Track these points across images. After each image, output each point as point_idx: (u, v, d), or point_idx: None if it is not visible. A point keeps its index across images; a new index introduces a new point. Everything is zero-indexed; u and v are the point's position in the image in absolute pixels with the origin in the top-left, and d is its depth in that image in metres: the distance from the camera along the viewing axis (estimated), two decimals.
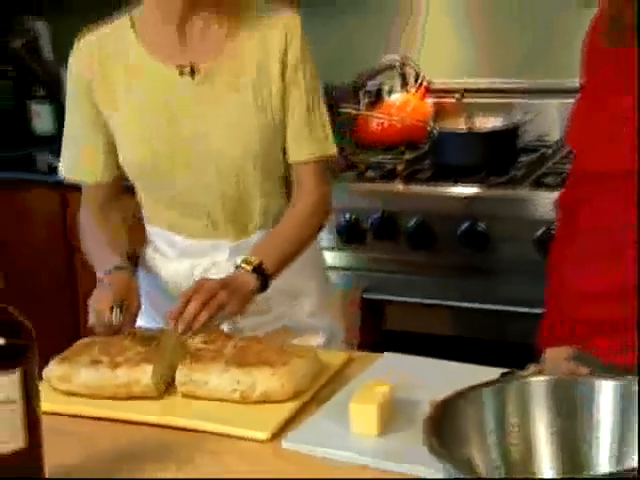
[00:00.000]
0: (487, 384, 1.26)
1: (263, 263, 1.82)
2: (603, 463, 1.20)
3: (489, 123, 2.93)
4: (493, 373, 1.61)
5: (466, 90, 3.16)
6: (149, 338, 1.73)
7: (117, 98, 1.93)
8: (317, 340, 2.02)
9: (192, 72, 1.91)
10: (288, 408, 1.56)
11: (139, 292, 1.88)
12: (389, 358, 1.83)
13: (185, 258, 1.97)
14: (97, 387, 1.61)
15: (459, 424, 1.20)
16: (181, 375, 1.61)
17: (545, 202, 2.58)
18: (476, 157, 2.83)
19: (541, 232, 2.58)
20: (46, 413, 1.47)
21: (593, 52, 1.74)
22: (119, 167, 1.99)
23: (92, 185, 2.03)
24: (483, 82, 3.22)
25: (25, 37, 3.69)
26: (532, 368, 1.73)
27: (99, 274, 1.91)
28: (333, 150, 2.03)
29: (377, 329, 2.82)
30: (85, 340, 1.74)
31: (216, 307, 1.72)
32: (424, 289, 2.77)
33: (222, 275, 1.87)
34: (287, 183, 2.03)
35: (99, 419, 1.58)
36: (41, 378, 1.62)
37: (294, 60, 1.93)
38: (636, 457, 1.17)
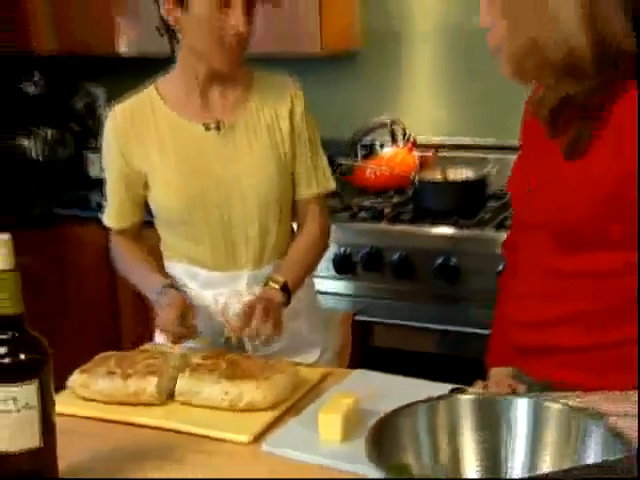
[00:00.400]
0: (422, 401, 1.25)
1: (287, 282, 1.85)
2: (517, 471, 1.19)
3: (462, 174, 2.93)
4: (447, 389, 1.63)
5: (443, 146, 3.18)
6: (157, 354, 1.74)
7: (151, 156, 1.93)
8: (313, 355, 2.01)
9: (218, 127, 1.92)
10: (268, 416, 1.55)
11: (192, 302, 1.88)
12: (360, 374, 1.81)
13: (208, 289, 1.95)
14: (110, 394, 1.62)
15: (397, 435, 1.20)
16: (180, 386, 1.61)
17: None
18: (450, 203, 2.83)
19: (502, 266, 2.56)
20: (65, 415, 1.50)
21: (528, 120, 1.74)
22: (142, 214, 2.02)
23: (118, 230, 2.05)
24: (457, 139, 3.24)
25: (86, 99, 3.74)
26: (479, 384, 1.74)
27: (151, 296, 1.90)
28: (333, 185, 2.07)
29: (365, 346, 2.81)
30: (104, 354, 1.74)
31: (275, 321, 1.75)
32: (405, 313, 2.77)
33: (242, 302, 1.87)
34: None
35: (109, 421, 1.58)
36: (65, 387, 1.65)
37: (299, 119, 1.96)
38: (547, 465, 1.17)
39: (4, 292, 1.28)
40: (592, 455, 1.12)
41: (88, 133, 3.70)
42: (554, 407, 1.20)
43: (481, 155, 3.14)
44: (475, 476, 1.19)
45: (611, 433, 1.12)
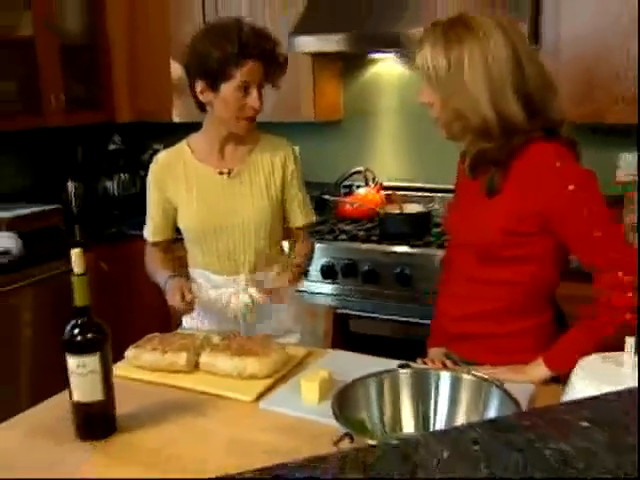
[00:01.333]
0: (373, 374, 1.25)
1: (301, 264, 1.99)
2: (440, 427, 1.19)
3: (415, 208, 2.93)
4: (393, 364, 1.61)
5: (402, 188, 3.19)
6: (187, 335, 1.74)
7: (180, 192, 1.94)
8: (293, 339, 1.99)
9: (228, 173, 1.93)
10: (265, 383, 1.55)
11: (189, 283, 1.86)
12: (336, 353, 1.80)
13: (215, 288, 1.95)
14: (153, 364, 1.62)
15: (355, 400, 1.20)
16: (202, 360, 1.62)
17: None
18: (406, 229, 2.83)
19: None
20: (122, 378, 1.50)
21: (460, 170, 1.74)
22: (172, 234, 2.03)
23: (152, 242, 2.04)
24: (411, 183, 3.24)
25: (150, 153, 3.75)
26: (419, 361, 1.74)
27: (162, 286, 1.90)
28: (314, 218, 2.09)
29: (345, 332, 2.80)
30: (150, 335, 1.73)
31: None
32: (373, 307, 2.76)
33: (239, 299, 1.87)
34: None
35: (152, 383, 1.59)
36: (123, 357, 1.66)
37: (290, 171, 1.96)
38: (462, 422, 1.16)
39: (79, 290, 1.29)
40: (493, 413, 1.12)
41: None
42: (467, 378, 1.20)
43: (428, 194, 3.15)
44: (411, 430, 1.18)
45: (507, 396, 1.11)
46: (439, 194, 3.07)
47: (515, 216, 1.49)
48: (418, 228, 2.83)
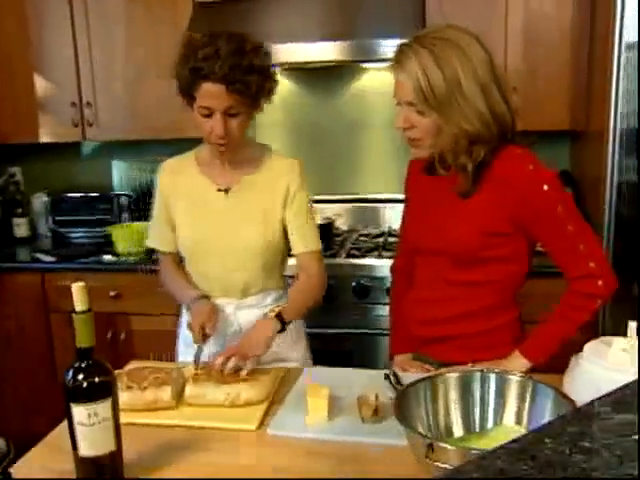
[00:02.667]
0: (423, 378, 1.24)
1: (282, 312, 1.70)
2: (489, 423, 1.21)
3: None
4: (377, 374, 1.63)
5: None
6: (157, 370, 1.59)
7: (178, 203, 1.85)
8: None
9: (226, 191, 1.82)
10: (262, 407, 1.48)
11: (213, 307, 1.77)
12: (314, 370, 1.77)
13: None
14: (132, 404, 1.47)
15: (410, 403, 1.17)
16: (188, 392, 1.51)
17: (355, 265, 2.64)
18: None
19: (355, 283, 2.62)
20: None
21: (413, 180, 1.78)
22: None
23: (165, 252, 1.93)
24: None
25: (4, 177, 3.45)
26: (398, 369, 1.73)
27: (186, 306, 1.84)
28: (317, 247, 1.86)
29: None
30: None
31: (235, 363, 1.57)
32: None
33: (228, 324, 1.84)
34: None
35: (133, 425, 1.42)
36: None
37: (292, 190, 1.81)
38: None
39: (82, 329, 1.15)
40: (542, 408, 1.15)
41: (14, 203, 3.39)
42: (514, 378, 1.22)
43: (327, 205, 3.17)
44: (460, 431, 1.19)
45: (558, 394, 1.15)
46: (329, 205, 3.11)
47: (493, 218, 1.55)
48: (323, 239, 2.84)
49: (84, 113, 3.06)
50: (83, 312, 1.15)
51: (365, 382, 1.57)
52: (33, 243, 3.28)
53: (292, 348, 1.92)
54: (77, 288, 1.15)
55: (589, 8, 2.62)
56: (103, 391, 1.16)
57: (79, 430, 1.15)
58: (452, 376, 1.23)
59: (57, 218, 3.22)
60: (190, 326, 1.73)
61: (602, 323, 2.49)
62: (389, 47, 2.66)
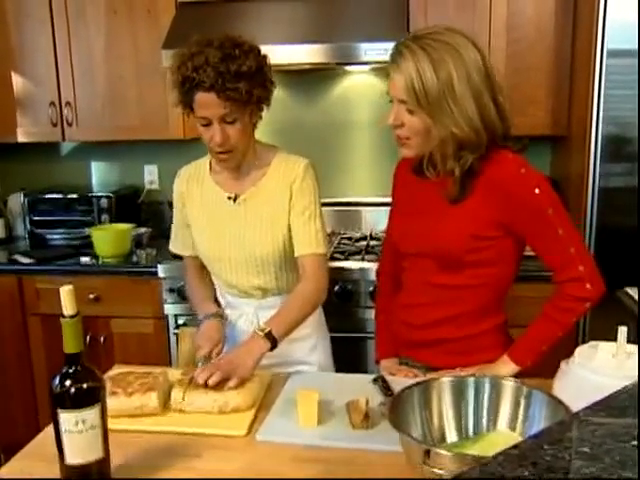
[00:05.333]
0: (418, 383, 1.22)
1: (272, 330, 1.63)
2: (483, 427, 1.20)
3: None
4: (365, 379, 1.62)
5: None
6: (143, 375, 1.56)
7: (193, 210, 1.87)
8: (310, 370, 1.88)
9: (234, 199, 1.81)
10: (250, 414, 1.46)
11: (223, 332, 1.78)
12: (301, 375, 1.73)
13: (229, 309, 1.90)
14: (118, 409, 1.43)
15: (404, 408, 1.16)
16: (175, 398, 1.48)
17: (337, 268, 2.62)
18: None
19: (338, 287, 2.60)
20: None
21: (401, 182, 1.77)
22: None
23: (187, 256, 1.94)
24: None
25: None
26: (386, 374, 1.72)
27: (200, 317, 1.83)
28: (321, 250, 1.79)
29: None
30: None
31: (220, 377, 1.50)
32: None
33: (248, 322, 1.86)
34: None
35: (127, 432, 1.40)
36: None
37: (295, 190, 1.78)
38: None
39: (70, 334, 1.12)
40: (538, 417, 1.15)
41: None
42: (508, 384, 1.21)
43: None
44: (454, 437, 1.18)
45: (551, 399, 1.15)
46: None
47: (483, 221, 1.55)
48: None
49: (63, 113, 3.02)
50: (71, 317, 1.12)
51: (354, 387, 1.55)
52: (10, 244, 3.22)
53: (311, 352, 1.93)
54: (65, 292, 1.12)
55: (572, 14, 2.65)
56: (91, 398, 1.13)
57: (66, 437, 1.12)
58: (446, 381, 1.22)
59: (35, 219, 3.16)
60: (198, 339, 1.75)
61: (583, 327, 2.51)
62: (373, 50, 2.66)
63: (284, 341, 1.70)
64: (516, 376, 1.57)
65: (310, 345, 1.92)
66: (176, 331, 2.68)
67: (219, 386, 1.49)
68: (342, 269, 2.64)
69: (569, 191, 2.69)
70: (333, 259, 2.71)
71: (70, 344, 1.12)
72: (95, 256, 2.91)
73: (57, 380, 1.13)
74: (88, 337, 2.82)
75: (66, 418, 1.12)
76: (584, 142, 2.47)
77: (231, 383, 1.49)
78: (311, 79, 3.16)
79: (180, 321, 2.72)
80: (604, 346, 1.35)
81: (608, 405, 0.87)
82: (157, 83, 2.89)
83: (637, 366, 1.26)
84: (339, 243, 2.97)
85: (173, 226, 1.96)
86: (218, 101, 1.61)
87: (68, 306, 1.12)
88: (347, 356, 2.65)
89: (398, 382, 1.52)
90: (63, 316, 1.12)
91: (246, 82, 1.62)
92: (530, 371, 1.58)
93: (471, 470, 0.75)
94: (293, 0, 2.84)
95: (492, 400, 1.19)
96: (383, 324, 1.85)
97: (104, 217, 3.11)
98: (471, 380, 1.21)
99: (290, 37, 2.73)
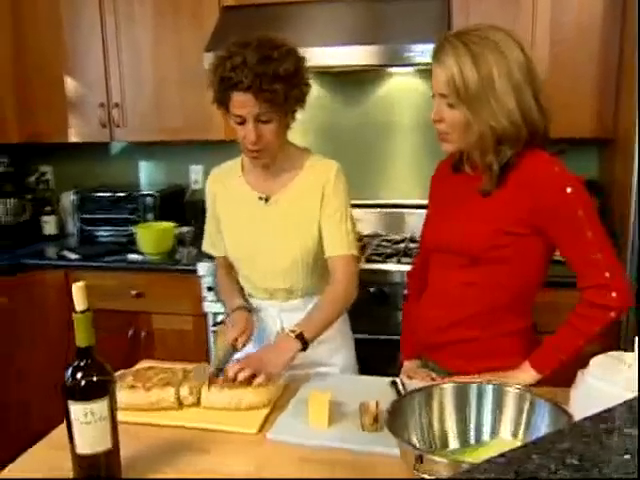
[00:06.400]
0: (420, 389, 1.22)
1: (303, 332, 1.65)
2: (485, 436, 1.19)
3: None
4: (383, 382, 1.61)
5: None
6: (163, 370, 1.61)
7: (224, 208, 1.90)
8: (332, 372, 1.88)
9: (266, 200, 1.83)
10: (264, 412, 1.48)
11: (251, 322, 1.82)
12: (317, 375, 1.73)
13: (256, 310, 1.92)
14: (136, 404, 1.49)
15: (404, 414, 1.16)
16: (191, 395, 1.52)
17: (374, 270, 2.62)
18: None
19: (373, 289, 2.60)
20: None
21: (439, 179, 1.78)
22: None
23: (219, 256, 1.99)
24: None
25: (35, 175, 3.52)
26: (404, 377, 1.73)
27: (229, 310, 1.87)
28: (351, 251, 1.80)
29: None
30: (120, 372, 1.60)
31: (250, 373, 1.54)
32: None
33: (272, 324, 1.88)
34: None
35: (136, 424, 1.44)
36: None
37: (327, 193, 1.79)
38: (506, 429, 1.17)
39: (82, 328, 1.16)
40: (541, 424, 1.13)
41: (42, 201, 3.47)
42: (511, 390, 1.19)
43: None
44: (456, 443, 1.17)
45: (554, 406, 1.13)
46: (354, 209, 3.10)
47: (510, 216, 1.54)
48: None
49: (112, 114, 3.11)
50: (82, 312, 1.17)
51: (371, 389, 1.55)
52: (61, 241, 3.35)
53: (335, 354, 1.93)
54: (77, 288, 1.16)
55: (620, 13, 2.57)
56: (101, 390, 1.17)
57: (76, 428, 1.17)
58: (448, 387, 1.21)
59: (84, 216, 3.28)
60: (228, 331, 1.78)
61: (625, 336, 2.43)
62: (415, 52, 2.65)
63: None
64: (539, 384, 1.56)
65: (333, 347, 1.92)
66: (214, 328, 2.74)
67: (240, 384, 1.51)
68: (379, 271, 2.64)
69: (613, 196, 2.62)
70: (370, 261, 2.71)
71: (82, 338, 1.17)
72: (139, 253, 3.00)
73: (69, 372, 1.17)
74: (130, 332, 2.91)
75: (76, 409, 1.16)
76: (630, 146, 2.39)
77: (258, 379, 1.52)
78: (353, 80, 3.16)
79: (219, 319, 2.77)
80: (622, 356, 1.31)
81: (608, 417, 0.85)
82: (200, 85, 2.90)
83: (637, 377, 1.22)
84: (378, 245, 2.97)
85: (205, 225, 2.00)
86: (255, 101, 1.64)
87: (79, 302, 1.16)
88: (382, 359, 2.64)
89: (414, 385, 1.50)
90: (75, 311, 1.17)
91: (283, 84, 1.64)
92: (552, 379, 1.54)
93: (456, 476, 0.74)
94: (335, 2, 2.86)
95: (495, 407, 1.17)
96: (408, 325, 1.84)
97: (149, 215, 3.20)
98: (474, 386, 1.20)
99: (333, 39, 2.74)
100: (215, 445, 1.37)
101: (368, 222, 3.21)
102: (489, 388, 1.19)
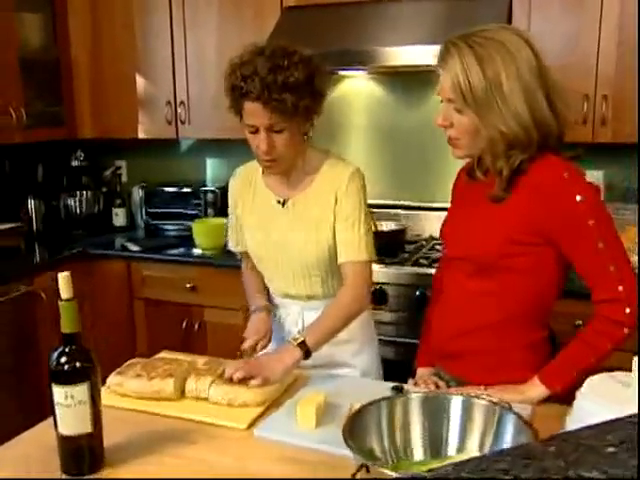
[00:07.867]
0: (384, 398, 1.21)
1: (305, 340, 1.63)
2: (452, 451, 1.15)
3: (388, 226, 2.93)
4: (385, 386, 1.58)
5: (374, 205, 3.15)
6: (171, 361, 1.66)
7: (245, 213, 1.91)
8: (353, 374, 1.87)
9: (283, 203, 1.83)
10: (257, 410, 1.49)
11: (270, 325, 1.86)
12: (322, 377, 1.72)
13: (276, 308, 1.95)
14: (139, 392, 1.54)
15: (365, 426, 1.15)
16: (188, 387, 1.55)
17: (420, 274, 2.59)
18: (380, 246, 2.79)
19: (418, 292, 2.57)
20: (106, 406, 1.39)
21: (459, 186, 1.73)
22: None
23: (242, 253, 2.00)
24: (384, 201, 3.22)
25: (110, 169, 3.69)
26: (410, 381, 1.70)
27: (251, 310, 1.92)
28: (363, 257, 1.75)
29: None
30: (132, 361, 1.67)
31: (243, 375, 1.54)
32: None
33: (293, 323, 1.89)
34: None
35: (138, 412, 1.50)
36: (105, 384, 1.56)
37: (339, 197, 1.75)
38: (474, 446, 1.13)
39: (67, 316, 1.22)
40: (507, 438, 1.09)
41: (113, 194, 3.64)
42: (480, 402, 1.15)
43: (400, 212, 3.17)
44: (421, 454, 1.14)
45: (520, 420, 1.08)
46: (412, 211, 3.07)
47: (520, 224, 1.48)
48: (392, 246, 2.82)
49: (177, 111, 3.22)
50: (67, 300, 1.22)
51: (373, 393, 1.52)
52: (129, 233, 3.50)
53: (355, 355, 1.91)
54: (63, 278, 1.22)
55: None
56: (82, 375, 1.22)
57: (58, 409, 1.22)
58: (414, 397, 1.18)
59: (150, 210, 3.41)
60: (247, 332, 1.84)
61: None
62: None
63: (328, 343, 1.71)
64: (549, 400, 1.49)
65: (354, 348, 1.90)
66: None
67: (242, 382, 1.53)
68: (422, 275, 2.60)
69: None
70: (417, 265, 2.68)
71: (67, 325, 1.22)
72: (197, 247, 3.09)
73: (54, 357, 1.23)
74: (184, 323, 3.00)
75: (58, 392, 1.22)
76: None
77: (254, 382, 1.53)
78: (415, 81, 3.12)
79: None
80: (619, 376, 1.24)
81: (563, 438, 0.81)
82: None
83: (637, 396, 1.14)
84: (429, 249, 2.92)
85: (229, 224, 2.01)
86: (264, 111, 1.61)
87: (65, 291, 1.22)
88: None
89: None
90: (60, 299, 1.22)
91: (292, 94, 1.60)
92: (561, 395, 1.47)
93: None
94: (396, 2, 2.83)
95: (463, 419, 1.13)
96: (424, 332, 1.81)
97: (210, 211, 3.29)
98: (442, 397, 1.17)
99: (396, 39, 2.72)
100: (203, 437, 1.39)
101: (426, 225, 3.16)
102: (457, 399, 1.15)
